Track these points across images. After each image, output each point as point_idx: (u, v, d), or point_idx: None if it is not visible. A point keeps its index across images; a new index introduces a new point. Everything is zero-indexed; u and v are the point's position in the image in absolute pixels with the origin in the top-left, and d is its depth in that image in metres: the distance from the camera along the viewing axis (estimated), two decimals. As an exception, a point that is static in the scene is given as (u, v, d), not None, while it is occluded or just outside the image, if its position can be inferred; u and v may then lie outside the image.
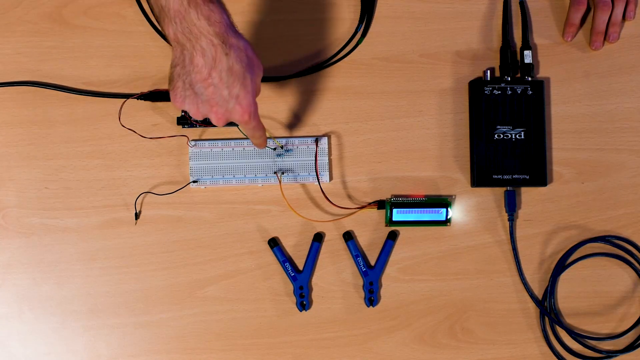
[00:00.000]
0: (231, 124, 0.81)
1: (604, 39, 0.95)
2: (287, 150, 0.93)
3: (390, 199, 0.93)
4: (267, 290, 0.93)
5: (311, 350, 0.93)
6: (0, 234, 0.92)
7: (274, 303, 0.93)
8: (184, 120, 0.93)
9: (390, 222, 0.92)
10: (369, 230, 0.94)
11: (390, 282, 0.93)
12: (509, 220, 0.93)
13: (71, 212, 0.92)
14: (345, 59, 0.94)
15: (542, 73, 0.96)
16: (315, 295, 0.93)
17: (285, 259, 0.92)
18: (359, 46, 0.95)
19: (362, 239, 0.94)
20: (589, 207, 0.95)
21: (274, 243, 0.92)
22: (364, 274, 0.93)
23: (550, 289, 0.93)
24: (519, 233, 0.94)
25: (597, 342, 0.94)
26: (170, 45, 0.75)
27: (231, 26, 0.74)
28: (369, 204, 0.93)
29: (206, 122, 0.93)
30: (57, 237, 0.92)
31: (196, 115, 0.77)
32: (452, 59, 0.95)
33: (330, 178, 0.94)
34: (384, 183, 0.94)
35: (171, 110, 0.93)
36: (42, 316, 0.92)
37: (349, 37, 0.95)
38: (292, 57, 0.94)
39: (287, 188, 0.93)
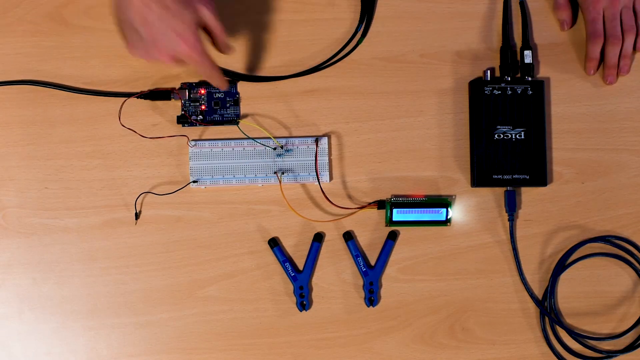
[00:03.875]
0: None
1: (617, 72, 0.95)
2: (287, 150, 0.93)
3: (390, 199, 0.93)
4: (267, 290, 0.93)
5: (311, 350, 0.93)
6: (0, 234, 0.92)
7: (274, 303, 0.93)
8: (184, 119, 0.93)
9: (390, 222, 0.92)
10: (369, 230, 0.94)
11: (390, 282, 0.93)
12: (509, 220, 0.93)
13: (71, 212, 0.92)
14: (345, 59, 0.94)
15: (542, 73, 0.96)
16: (315, 295, 0.93)
17: (285, 259, 0.92)
18: (359, 46, 0.95)
19: (362, 239, 0.94)
20: (589, 207, 0.95)
21: (274, 243, 0.92)
22: (364, 274, 0.93)
23: (550, 289, 0.93)
24: (519, 233, 0.94)
25: (597, 342, 0.94)
26: None
27: None
28: (369, 204, 0.93)
29: (206, 121, 0.93)
30: (57, 237, 0.92)
31: (149, 59, 0.79)
32: (452, 59, 0.95)
33: (330, 178, 0.94)
34: (384, 183, 0.94)
35: (171, 109, 0.93)
36: (42, 316, 0.92)
37: (349, 37, 0.95)
38: (292, 57, 0.94)
39: (287, 188, 0.93)
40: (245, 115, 0.94)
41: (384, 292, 0.93)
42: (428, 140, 0.94)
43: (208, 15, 0.81)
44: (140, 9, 0.76)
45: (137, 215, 0.92)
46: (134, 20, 0.77)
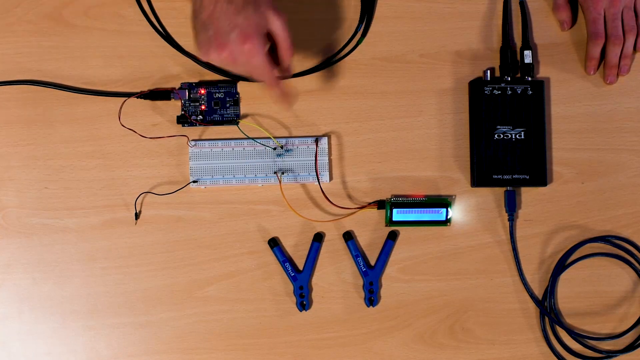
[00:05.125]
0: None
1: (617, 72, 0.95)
2: (287, 150, 0.93)
3: (390, 199, 0.93)
4: (267, 290, 0.93)
5: (311, 350, 0.93)
6: (0, 234, 0.92)
7: (274, 303, 0.93)
8: (184, 119, 0.93)
9: (390, 222, 0.92)
10: (369, 230, 0.94)
11: (390, 282, 0.93)
12: (509, 220, 0.93)
13: (71, 212, 0.92)
14: (345, 59, 0.94)
15: (542, 73, 0.96)
16: (315, 295, 0.93)
17: (285, 259, 0.92)
18: (359, 46, 0.95)
19: (362, 239, 0.94)
20: (589, 207, 0.95)
21: (274, 243, 0.92)
22: (364, 274, 0.93)
23: (550, 289, 0.93)
24: (519, 233, 0.94)
25: (597, 342, 0.94)
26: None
27: None
28: (369, 204, 0.93)
29: (206, 121, 0.93)
30: (57, 237, 0.92)
31: (216, 60, 0.79)
32: (452, 59, 0.95)
33: (330, 178, 0.94)
34: (384, 183, 0.94)
35: (171, 109, 0.93)
36: (42, 316, 0.92)
37: (349, 37, 0.95)
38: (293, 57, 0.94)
39: (287, 188, 0.93)
40: (245, 115, 0.94)
41: (384, 292, 0.93)
42: (428, 140, 0.94)
43: (277, 24, 0.80)
44: (209, 5, 0.78)
45: (137, 215, 0.92)
46: (203, 17, 0.78)
